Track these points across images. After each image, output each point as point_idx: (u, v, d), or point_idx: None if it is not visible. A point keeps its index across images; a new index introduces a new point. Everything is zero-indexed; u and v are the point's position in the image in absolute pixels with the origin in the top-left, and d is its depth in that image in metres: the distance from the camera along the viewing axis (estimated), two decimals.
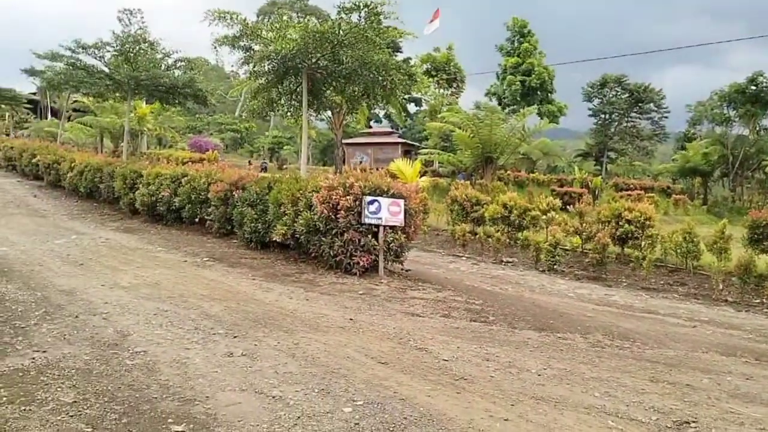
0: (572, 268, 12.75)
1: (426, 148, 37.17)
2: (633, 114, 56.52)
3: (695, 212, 32.51)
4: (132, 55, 18.87)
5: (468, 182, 24.24)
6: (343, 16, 12.87)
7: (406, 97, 38.94)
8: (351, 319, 6.78)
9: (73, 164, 19.54)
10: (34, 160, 23.67)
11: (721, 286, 10.80)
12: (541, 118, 37.78)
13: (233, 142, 60.22)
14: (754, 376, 5.64)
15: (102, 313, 6.46)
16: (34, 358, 4.94)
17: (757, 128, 43.79)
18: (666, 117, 56.80)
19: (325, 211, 9.24)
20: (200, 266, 9.81)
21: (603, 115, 56.18)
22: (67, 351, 5.17)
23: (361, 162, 37.77)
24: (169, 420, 3.90)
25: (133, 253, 10.84)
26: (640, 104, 55.63)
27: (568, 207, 21.92)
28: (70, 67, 19.19)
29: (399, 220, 9.32)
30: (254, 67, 14.31)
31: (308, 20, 14.75)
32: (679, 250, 11.82)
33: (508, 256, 13.88)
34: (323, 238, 9.47)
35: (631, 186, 38.55)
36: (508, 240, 14.09)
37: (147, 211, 14.92)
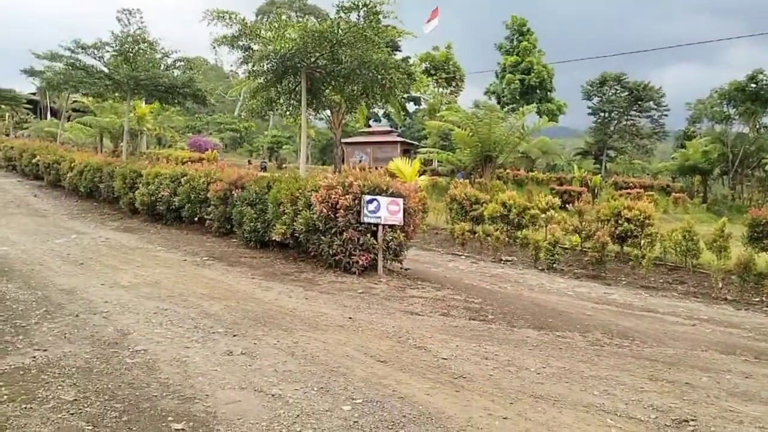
0: (571, 266, 12.76)
1: (425, 147, 37.18)
2: (632, 112, 56.51)
3: (695, 210, 32.53)
4: (131, 55, 18.87)
5: (467, 181, 24.27)
6: (342, 15, 12.88)
7: (405, 96, 38.96)
8: (350, 318, 6.80)
9: (72, 164, 19.55)
10: (34, 160, 23.70)
11: (720, 285, 10.81)
12: (541, 117, 37.74)
13: (232, 142, 60.21)
14: (753, 375, 5.65)
15: (102, 312, 6.48)
16: (34, 357, 4.96)
17: (757, 126, 43.72)
18: (666, 115, 56.87)
19: (324, 210, 9.25)
20: (200, 265, 9.82)
21: (602, 114, 56.17)
22: (67, 349, 5.19)
23: (360, 161, 37.78)
24: (169, 418, 3.91)
25: (133, 252, 10.85)
26: (639, 102, 55.60)
27: (567, 206, 21.89)
28: (70, 68, 19.19)
29: (398, 219, 9.33)
30: (253, 66, 14.30)
31: (307, 19, 14.77)
32: (678, 249, 11.82)
33: (507, 254, 13.89)
34: (322, 237, 9.48)
35: (631, 184, 38.54)
36: (507, 239, 14.10)
37: (147, 210, 14.93)
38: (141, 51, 19.10)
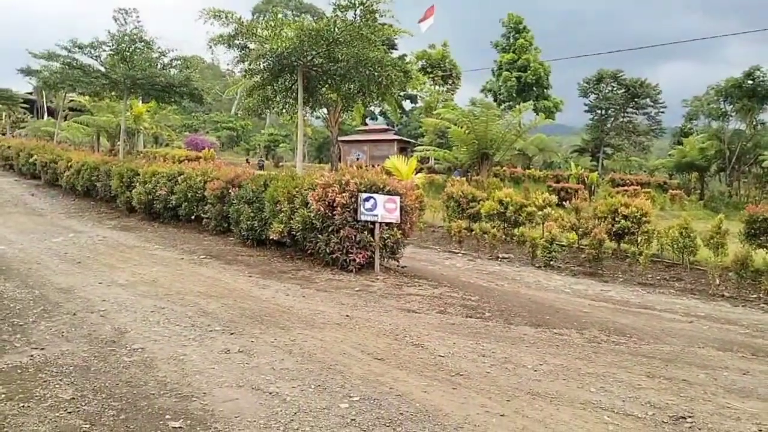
0: (568, 263, 12.79)
1: (422, 145, 37.20)
2: (629, 109, 56.45)
3: (692, 207, 32.59)
4: (128, 54, 18.83)
5: (464, 179, 24.31)
6: (339, 13, 12.89)
7: (402, 94, 39.00)
8: (347, 316, 6.80)
9: (70, 163, 19.51)
10: (31, 160, 23.64)
11: (717, 282, 10.84)
12: (537, 114, 37.86)
13: (229, 140, 60.11)
14: (750, 371, 5.67)
15: (100, 311, 6.48)
16: (32, 356, 4.95)
17: (754, 123, 43.83)
18: (662, 112, 56.80)
19: (321, 209, 9.25)
20: (197, 264, 9.82)
21: (599, 111, 56.11)
22: (65, 348, 5.19)
23: (357, 159, 37.66)
24: (167, 416, 3.92)
25: (131, 250, 10.84)
26: (636, 99, 55.56)
27: (564, 203, 22.00)
28: (67, 67, 19.17)
29: (395, 216, 9.33)
30: (250, 65, 14.30)
31: (303, 18, 14.76)
32: (675, 246, 11.85)
33: (504, 252, 13.91)
34: (319, 235, 9.48)
35: (628, 181, 38.51)
36: (504, 236, 14.12)
37: (144, 209, 14.91)
38: (138, 50, 19.06)
